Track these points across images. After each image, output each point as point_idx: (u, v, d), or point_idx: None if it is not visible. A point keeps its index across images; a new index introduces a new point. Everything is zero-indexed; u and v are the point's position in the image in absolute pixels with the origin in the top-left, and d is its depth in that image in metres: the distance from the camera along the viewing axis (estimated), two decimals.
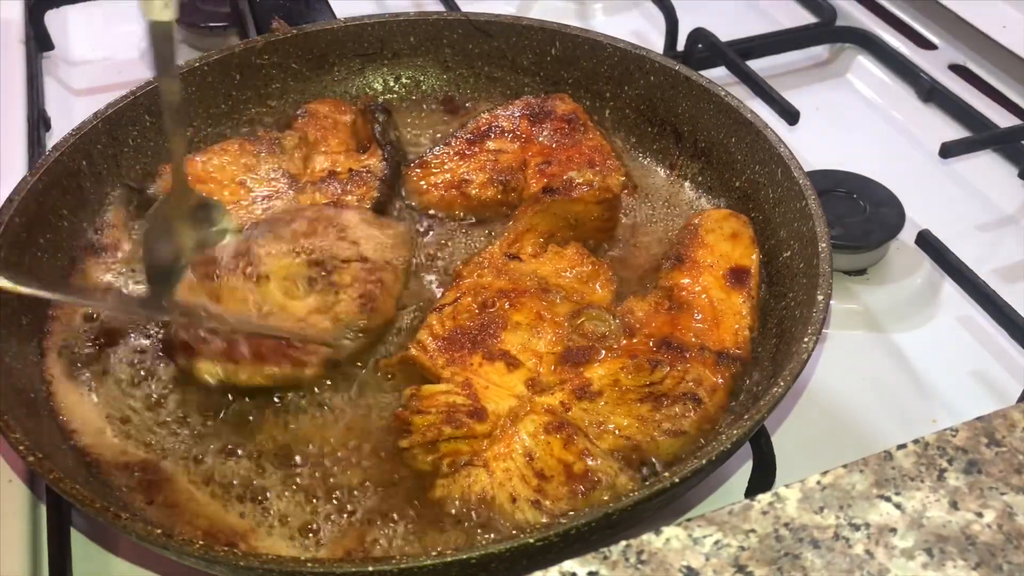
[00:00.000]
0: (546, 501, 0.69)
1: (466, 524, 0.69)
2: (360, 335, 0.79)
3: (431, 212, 0.92)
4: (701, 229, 0.84)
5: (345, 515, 0.71)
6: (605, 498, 0.68)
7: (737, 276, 0.81)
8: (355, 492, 0.72)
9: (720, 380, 0.75)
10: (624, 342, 0.78)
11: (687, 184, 0.94)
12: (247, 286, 0.79)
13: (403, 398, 0.76)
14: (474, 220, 0.92)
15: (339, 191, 0.90)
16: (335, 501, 0.72)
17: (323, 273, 0.80)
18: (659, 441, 0.72)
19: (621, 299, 0.82)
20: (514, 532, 0.68)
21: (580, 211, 0.87)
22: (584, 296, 0.82)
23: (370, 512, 0.71)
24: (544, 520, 0.68)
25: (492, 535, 0.68)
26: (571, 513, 0.65)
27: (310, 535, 0.70)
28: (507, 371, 0.76)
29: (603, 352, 0.77)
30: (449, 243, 0.89)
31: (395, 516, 0.70)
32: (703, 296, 0.80)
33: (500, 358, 0.77)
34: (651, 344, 0.77)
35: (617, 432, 0.72)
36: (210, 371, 0.77)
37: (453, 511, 0.70)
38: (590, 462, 0.70)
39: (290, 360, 0.76)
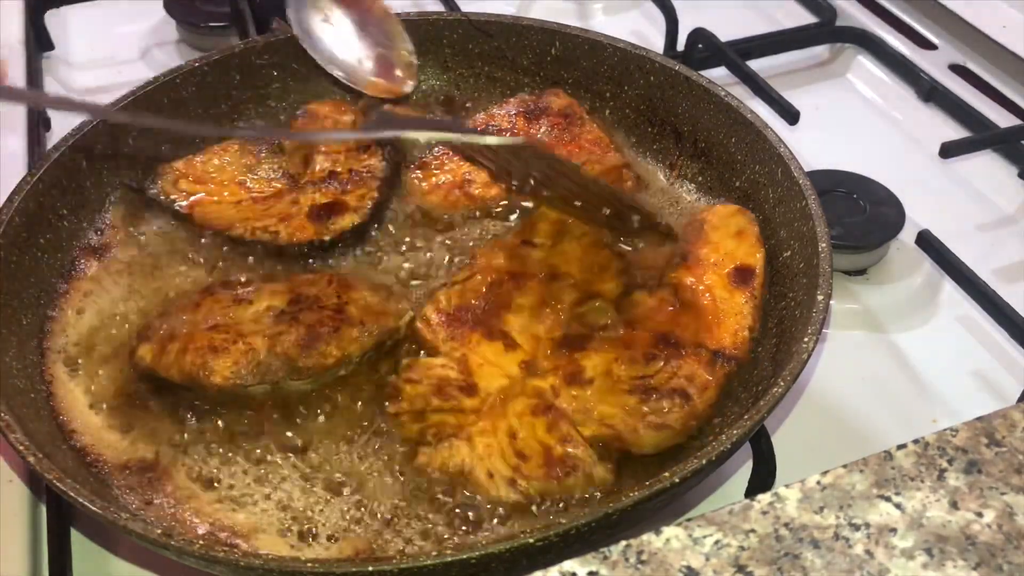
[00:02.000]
0: (521, 481, 0.70)
1: (441, 495, 0.71)
2: (297, 373, 0.76)
3: (433, 212, 0.92)
4: (707, 225, 0.84)
5: (349, 517, 0.71)
6: (579, 484, 0.70)
7: (741, 275, 0.81)
8: (359, 495, 0.72)
9: (712, 379, 0.75)
10: (623, 334, 0.78)
11: (687, 184, 0.94)
12: (229, 305, 0.80)
13: (400, 367, 0.77)
14: (476, 220, 0.91)
15: (339, 191, 0.90)
16: (339, 503, 0.72)
17: (295, 308, 0.79)
18: (641, 433, 0.72)
19: (630, 293, 0.82)
20: (513, 532, 0.68)
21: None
22: (592, 286, 0.82)
23: (359, 523, 0.71)
24: (515, 498, 0.69)
25: (467, 509, 0.70)
26: (571, 513, 0.65)
27: (312, 535, 0.70)
28: (504, 351, 0.77)
29: (600, 342, 0.77)
30: (450, 244, 0.89)
31: (377, 530, 0.70)
32: (707, 294, 0.80)
33: (499, 338, 0.78)
34: (649, 338, 0.77)
35: (601, 420, 0.73)
36: (142, 355, 0.78)
37: (431, 479, 0.71)
38: (570, 448, 0.71)
39: (202, 367, 0.76)
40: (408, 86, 0.93)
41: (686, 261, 0.82)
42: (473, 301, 0.80)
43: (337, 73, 0.92)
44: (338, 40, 0.93)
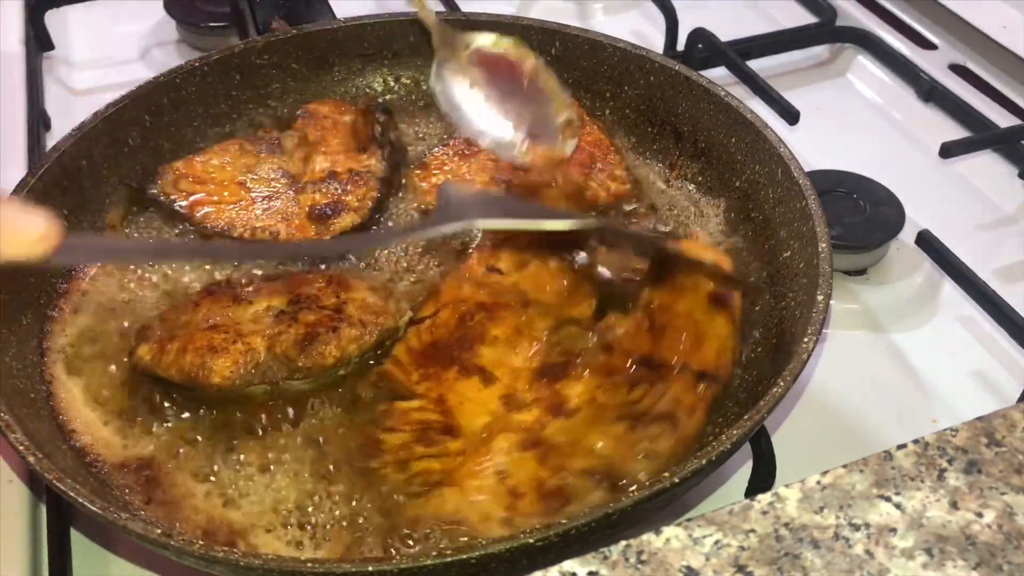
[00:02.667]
0: (518, 519, 0.68)
1: (439, 542, 0.69)
2: (296, 373, 0.76)
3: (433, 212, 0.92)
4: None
5: (339, 517, 0.71)
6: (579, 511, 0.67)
7: (720, 299, 0.78)
8: (343, 499, 0.72)
9: (698, 400, 0.73)
10: (603, 359, 0.76)
11: (687, 184, 0.94)
12: (228, 304, 0.80)
13: (375, 415, 0.75)
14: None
15: (339, 191, 0.90)
16: (332, 503, 0.72)
17: (294, 308, 0.79)
18: (635, 463, 0.70)
19: (602, 314, 0.80)
20: (513, 532, 0.68)
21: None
22: (564, 311, 0.80)
23: (355, 523, 0.71)
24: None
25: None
26: (571, 513, 0.65)
27: (308, 534, 0.70)
28: (482, 386, 0.75)
29: (581, 369, 0.75)
30: (449, 244, 0.89)
31: (372, 529, 0.70)
32: (686, 316, 0.77)
33: (476, 373, 0.76)
34: (630, 362, 0.75)
35: (593, 451, 0.71)
36: (141, 355, 0.77)
37: (427, 530, 0.69)
38: (565, 479, 0.69)
39: (201, 367, 0.75)
40: (570, 147, 0.83)
41: (663, 284, 0.79)
42: (445, 337, 0.78)
43: (490, 146, 0.83)
44: (487, 108, 0.83)
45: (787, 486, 0.52)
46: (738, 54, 1.13)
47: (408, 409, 0.75)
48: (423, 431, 0.73)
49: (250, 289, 0.82)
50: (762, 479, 0.75)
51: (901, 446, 0.54)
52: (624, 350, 0.77)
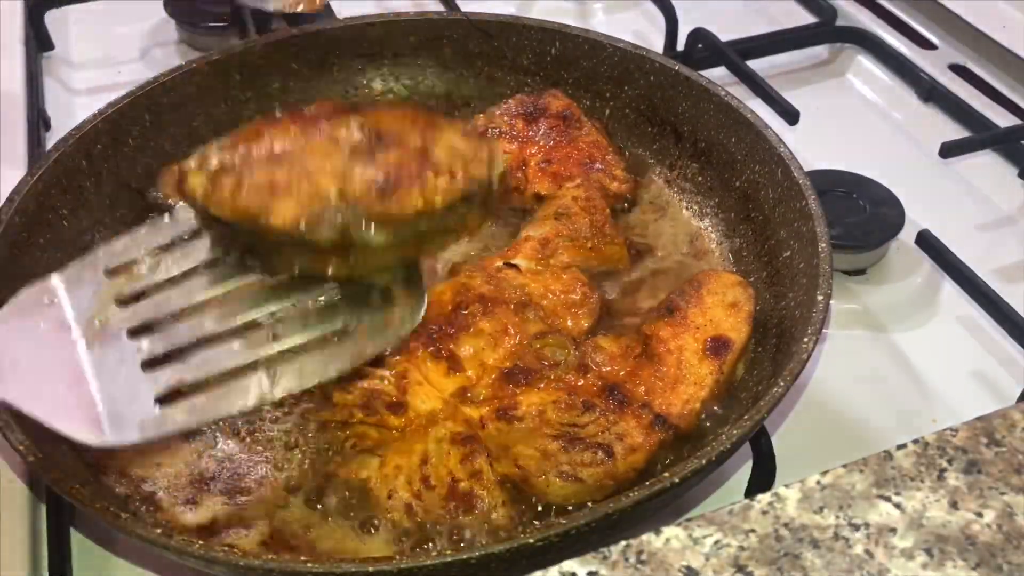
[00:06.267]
0: (419, 508, 0.69)
1: (342, 504, 0.71)
2: (371, 222, 0.61)
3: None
4: (704, 288, 0.80)
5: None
6: (475, 523, 0.69)
7: (717, 346, 0.77)
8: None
9: (644, 442, 0.72)
10: (572, 377, 0.76)
11: (687, 184, 0.94)
12: (295, 135, 0.65)
13: None
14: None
15: None
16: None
17: (372, 145, 0.64)
18: (550, 480, 0.70)
19: (595, 334, 0.80)
20: (512, 533, 0.68)
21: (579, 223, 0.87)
22: (560, 321, 0.80)
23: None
24: (408, 525, 0.69)
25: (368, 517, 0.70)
26: (571, 514, 0.65)
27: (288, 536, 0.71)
28: (446, 374, 0.76)
29: (546, 381, 0.76)
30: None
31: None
32: (675, 354, 0.77)
33: (446, 359, 0.77)
34: (597, 387, 0.75)
35: (515, 460, 0.71)
36: (193, 188, 0.64)
37: (337, 489, 0.72)
38: (476, 487, 0.70)
39: (263, 207, 0.61)
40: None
41: (670, 316, 0.79)
42: (435, 317, 0.78)
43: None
44: None
45: (787, 486, 0.52)
46: (738, 54, 1.13)
47: (369, 375, 0.76)
48: (370, 400, 0.75)
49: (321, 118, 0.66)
50: (762, 479, 0.75)
51: (901, 446, 0.54)
52: (598, 373, 0.76)
